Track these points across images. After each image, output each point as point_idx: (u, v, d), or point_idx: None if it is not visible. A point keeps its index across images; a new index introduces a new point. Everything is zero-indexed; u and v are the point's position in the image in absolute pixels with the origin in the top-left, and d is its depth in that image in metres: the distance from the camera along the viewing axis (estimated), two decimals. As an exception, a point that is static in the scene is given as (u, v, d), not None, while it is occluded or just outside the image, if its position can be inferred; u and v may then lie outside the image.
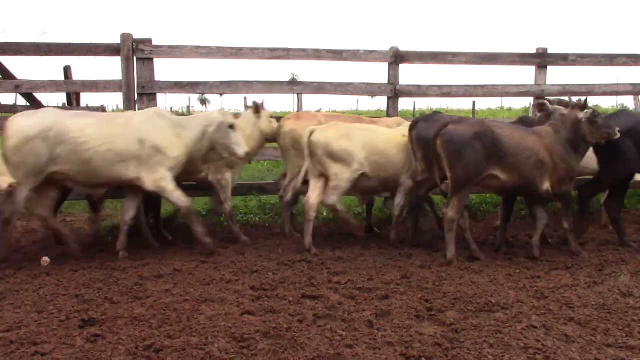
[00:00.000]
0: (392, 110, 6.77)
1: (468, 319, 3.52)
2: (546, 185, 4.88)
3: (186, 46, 6.41)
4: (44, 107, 7.32)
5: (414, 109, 27.83)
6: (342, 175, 5.21)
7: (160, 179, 4.93)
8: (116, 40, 6.23)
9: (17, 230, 6.15)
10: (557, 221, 5.58)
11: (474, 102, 23.20)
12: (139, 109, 6.28)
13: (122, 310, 3.65)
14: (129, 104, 6.28)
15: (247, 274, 4.48)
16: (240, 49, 6.49)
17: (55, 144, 4.71)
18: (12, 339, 3.21)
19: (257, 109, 5.82)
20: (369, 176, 5.32)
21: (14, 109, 11.36)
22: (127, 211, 5.16)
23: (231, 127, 5.13)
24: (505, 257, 4.98)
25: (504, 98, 32.34)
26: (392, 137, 5.44)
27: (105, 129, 4.86)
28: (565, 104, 5.24)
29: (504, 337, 3.24)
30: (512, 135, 4.81)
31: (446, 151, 4.71)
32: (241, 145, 5.15)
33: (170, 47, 6.37)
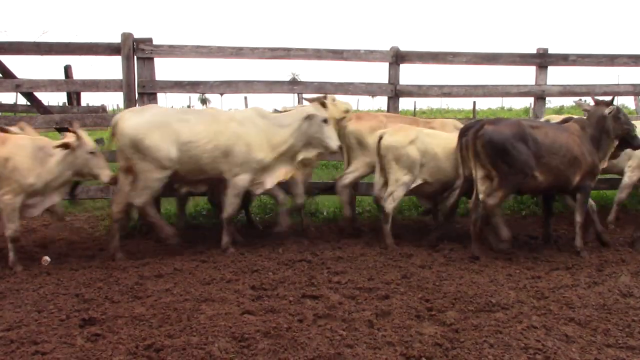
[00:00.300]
0: (392, 110, 6.76)
1: (468, 319, 3.52)
2: (577, 180, 5.00)
3: (186, 45, 6.41)
4: (45, 106, 7.36)
5: (415, 109, 27.86)
6: (402, 180, 5.31)
7: (240, 178, 5.07)
8: (117, 39, 6.23)
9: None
10: (557, 220, 5.59)
11: (474, 102, 23.27)
12: (139, 109, 6.29)
13: (122, 309, 3.65)
14: (129, 104, 6.27)
15: (247, 273, 4.48)
16: (241, 49, 6.48)
17: (168, 139, 4.84)
18: (13, 338, 3.21)
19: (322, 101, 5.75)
20: (430, 182, 5.43)
21: (14, 108, 11.46)
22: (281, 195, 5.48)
23: (324, 121, 5.18)
24: (506, 257, 4.98)
25: (504, 98, 32.33)
26: (454, 142, 5.40)
27: (210, 126, 4.99)
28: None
29: (504, 337, 3.24)
30: (547, 134, 4.92)
31: (486, 152, 4.80)
32: (334, 139, 5.23)
33: (170, 46, 6.36)
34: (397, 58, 6.68)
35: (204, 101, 64.49)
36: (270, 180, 5.25)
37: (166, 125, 4.88)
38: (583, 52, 7.26)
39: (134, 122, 4.87)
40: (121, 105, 6.53)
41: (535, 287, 4.16)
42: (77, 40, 9.16)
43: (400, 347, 3.11)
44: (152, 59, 6.31)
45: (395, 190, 5.34)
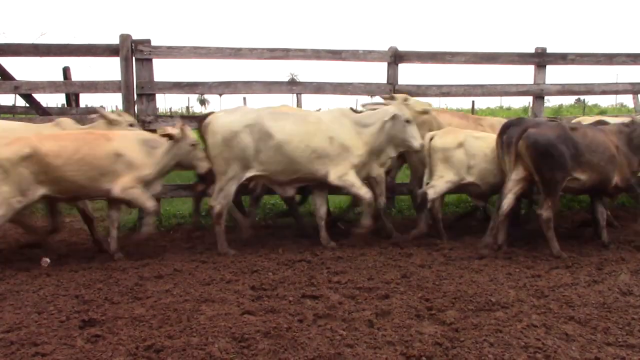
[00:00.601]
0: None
1: (468, 318, 3.52)
2: (616, 180, 5.14)
3: (185, 46, 6.41)
4: (44, 108, 7.36)
5: (413, 108, 27.80)
6: (446, 177, 5.45)
7: (344, 174, 5.16)
8: (115, 40, 6.23)
9: (16, 231, 6.15)
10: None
11: (472, 102, 23.30)
12: (138, 110, 6.30)
13: (122, 310, 3.65)
14: (128, 105, 6.28)
15: (247, 273, 4.48)
16: (239, 49, 6.48)
17: (259, 138, 4.99)
18: (13, 339, 3.21)
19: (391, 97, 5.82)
20: (478, 184, 5.52)
21: (12, 110, 11.45)
22: (320, 207, 5.44)
23: (407, 121, 5.26)
24: (505, 256, 4.98)
25: (503, 97, 32.36)
26: None
27: (301, 127, 5.09)
28: None
29: (504, 336, 3.24)
30: (586, 133, 5.06)
31: (531, 155, 4.87)
32: (417, 138, 5.32)
33: (169, 47, 6.36)
34: (396, 58, 6.69)
35: (202, 102, 64.49)
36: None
37: (256, 124, 4.99)
38: (582, 51, 7.31)
39: (226, 120, 4.99)
40: (120, 107, 6.54)
41: (535, 285, 4.16)
42: (75, 41, 9.15)
43: (400, 347, 3.11)
44: (150, 60, 6.31)
45: (438, 184, 5.45)
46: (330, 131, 5.17)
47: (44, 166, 4.57)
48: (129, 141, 4.89)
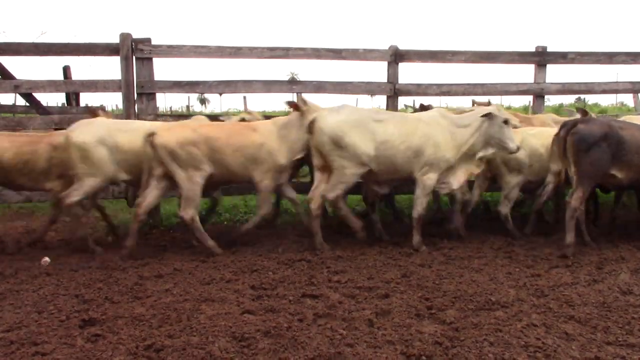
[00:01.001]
0: (391, 109, 6.76)
1: (468, 318, 3.52)
2: None
3: (185, 45, 6.41)
4: (44, 107, 7.36)
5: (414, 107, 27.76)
6: (513, 182, 5.61)
7: (428, 177, 5.20)
8: (115, 39, 6.24)
9: (17, 231, 6.16)
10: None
11: (473, 101, 23.25)
12: (138, 109, 6.30)
13: (122, 309, 3.65)
14: (128, 104, 6.28)
15: (247, 273, 4.48)
16: (240, 49, 6.48)
17: (366, 139, 5.06)
18: (13, 339, 3.21)
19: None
20: (532, 180, 5.65)
21: (13, 109, 11.45)
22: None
23: (505, 122, 5.25)
24: (505, 256, 4.98)
25: (503, 96, 32.29)
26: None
27: (402, 128, 5.16)
28: None
29: (504, 335, 3.24)
30: (634, 134, 5.11)
31: (575, 148, 4.96)
32: (513, 140, 5.29)
33: (169, 46, 6.36)
34: (396, 57, 6.69)
35: (202, 101, 64.52)
36: (457, 181, 5.37)
37: (363, 125, 5.07)
38: (582, 50, 7.28)
39: (333, 120, 5.05)
40: (120, 106, 6.55)
41: (535, 285, 4.16)
42: (75, 40, 9.17)
43: (400, 346, 3.11)
44: (150, 59, 6.31)
45: (509, 192, 5.60)
46: (427, 131, 5.17)
47: (207, 148, 4.95)
48: (270, 131, 5.23)
